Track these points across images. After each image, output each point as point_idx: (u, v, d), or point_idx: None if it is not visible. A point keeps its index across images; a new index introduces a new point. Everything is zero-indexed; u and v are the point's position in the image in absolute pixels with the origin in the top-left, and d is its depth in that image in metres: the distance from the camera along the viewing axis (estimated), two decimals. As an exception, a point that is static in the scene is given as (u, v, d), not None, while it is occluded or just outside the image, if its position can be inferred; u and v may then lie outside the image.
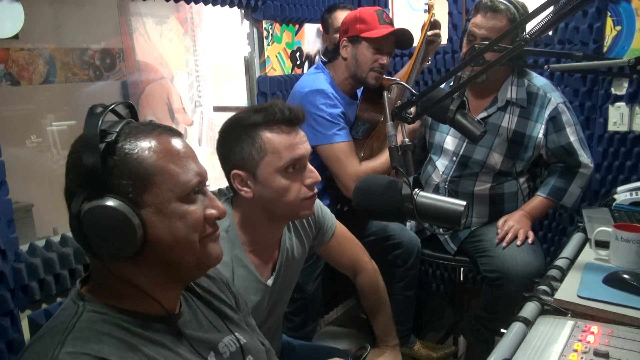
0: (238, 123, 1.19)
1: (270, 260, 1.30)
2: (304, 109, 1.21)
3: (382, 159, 1.87)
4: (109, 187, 0.72)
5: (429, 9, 1.98)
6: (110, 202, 0.71)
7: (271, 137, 1.15)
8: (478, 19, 1.77)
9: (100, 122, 0.72)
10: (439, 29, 1.99)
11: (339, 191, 1.89)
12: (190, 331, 0.85)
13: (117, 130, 0.74)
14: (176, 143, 0.79)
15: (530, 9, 1.00)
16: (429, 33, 1.94)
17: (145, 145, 0.75)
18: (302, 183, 1.20)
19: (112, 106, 0.76)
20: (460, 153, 1.92)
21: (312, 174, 1.22)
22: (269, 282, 1.27)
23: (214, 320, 0.92)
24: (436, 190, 1.98)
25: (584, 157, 1.82)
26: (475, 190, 1.90)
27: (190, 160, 0.80)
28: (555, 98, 1.82)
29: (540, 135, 1.82)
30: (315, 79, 1.91)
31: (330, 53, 1.99)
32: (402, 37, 1.89)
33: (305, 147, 1.20)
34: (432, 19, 1.94)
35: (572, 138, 1.81)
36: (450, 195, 1.94)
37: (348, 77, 1.93)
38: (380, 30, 1.83)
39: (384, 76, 1.94)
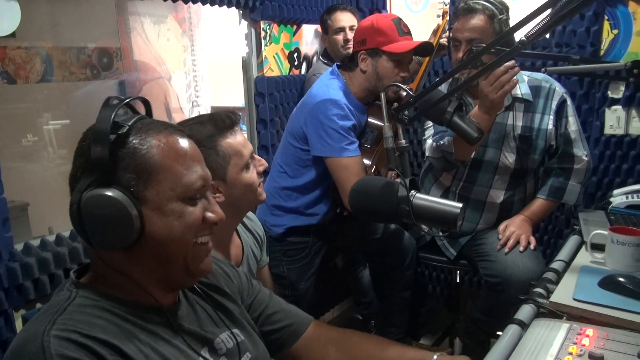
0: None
1: (232, 259, 1.36)
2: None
3: None
4: (113, 178, 0.74)
5: (443, 15, 1.98)
6: (111, 193, 0.72)
7: (229, 141, 1.25)
8: (458, 24, 1.76)
9: (114, 114, 0.73)
10: None
11: (338, 193, 1.88)
12: (185, 325, 0.85)
13: (130, 124, 0.76)
14: (184, 144, 0.80)
15: (529, 11, 1.00)
16: (443, 37, 1.93)
17: (154, 143, 0.77)
18: (256, 171, 1.33)
19: (128, 100, 0.77)
20: (471, 156, 1.88)
21: (261, 161, 1.36)
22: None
23: (212, 315, 0.92)
24: (445, 193, 1.94)
25: (580, 150, 1.81)
26: (488, 199, 1.87)
27: (196, 162, 0.81)
28: (559, 88, 1.81)
29: (550, 126, 1.80)
30: (329, 87, 1.84)
31: (347, 63, 1.90)
32: (422, 48, 1.83)
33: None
34: (445, 25, 1.95)
35: (573, 128, 1.80)
36: (461, 201, 1.90)
37: (365, 90, 1.86)
38: (403, 44, 1.76)
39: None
